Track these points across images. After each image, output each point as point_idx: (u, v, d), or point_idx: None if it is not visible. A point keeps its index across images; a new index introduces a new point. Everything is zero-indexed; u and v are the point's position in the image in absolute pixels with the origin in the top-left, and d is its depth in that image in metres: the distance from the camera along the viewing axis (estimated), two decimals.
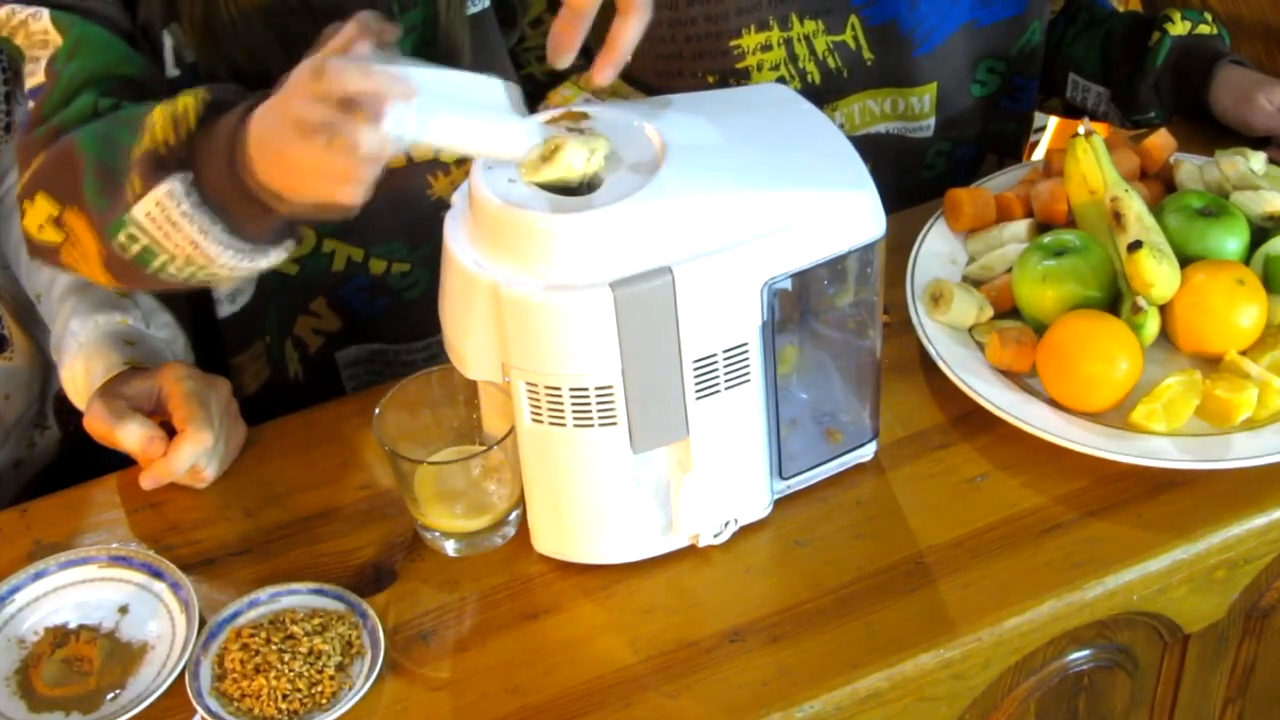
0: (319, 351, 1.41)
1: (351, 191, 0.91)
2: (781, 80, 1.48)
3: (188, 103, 0.99)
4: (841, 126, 1.52)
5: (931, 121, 1.55)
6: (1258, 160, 1.36)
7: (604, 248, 0.98)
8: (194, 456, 1.17)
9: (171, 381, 1.19)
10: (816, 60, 1.47)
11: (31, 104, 1.11)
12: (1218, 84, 1.48)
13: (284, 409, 1.30)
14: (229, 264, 1.02)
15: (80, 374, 1.23)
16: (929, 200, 1.42)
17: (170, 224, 1.00)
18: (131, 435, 1.16)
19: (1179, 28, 1.51)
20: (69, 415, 1.26)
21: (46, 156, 1.07)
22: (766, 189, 1.03)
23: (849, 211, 1.05)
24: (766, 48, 1.45)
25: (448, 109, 0.94)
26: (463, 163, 1.31)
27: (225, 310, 1.31)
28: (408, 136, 0.91)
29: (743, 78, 1.46)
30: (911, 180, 1.57)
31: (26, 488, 1.40)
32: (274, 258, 1.05)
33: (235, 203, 0.99)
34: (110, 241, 1.03)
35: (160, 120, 1.00)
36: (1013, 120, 1.60)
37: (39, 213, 1.06)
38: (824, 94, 1.49)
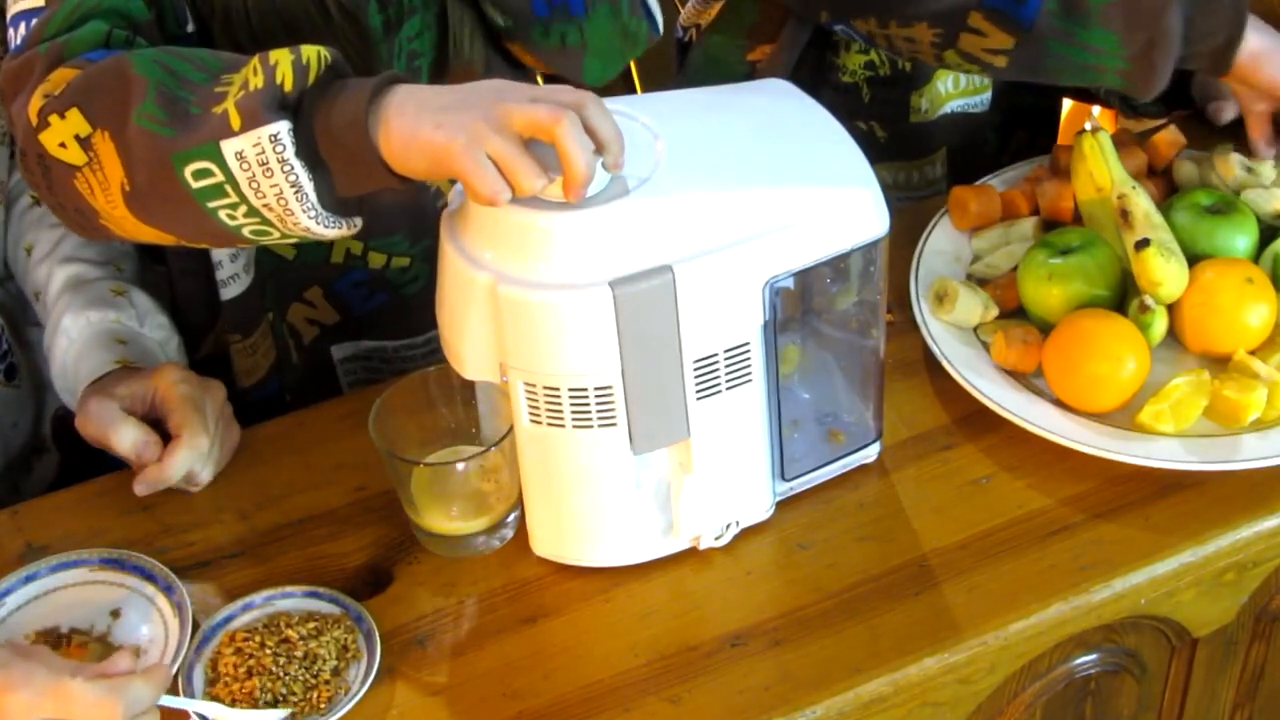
0: (314, 343, 1.39)
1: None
2: (870, 63, 1.49)
3: (311, 55, 0.97)
4: (925, 110, 1.53)
5: (987, 96, 1.57)
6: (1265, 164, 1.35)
7: (603, 246, 0.97)
8: (189, 463, 1.16)
9: (167, 385, 1.17)
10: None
11: (32, 22, 1.08)
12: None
13: (291, 393, 1.26)
14: (299, 225, 0.99)
15: (70, 371, 1.22)
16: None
17: (262, 167, 0.96)
18: (126, 440, 1.15)
19: None
20: (67, 440, 1.24)
21: (88, 74, 1.02)
22: (768, 186, 1.02)
23: (852, 209, 1.04)
24: None
25: None
26: None
27: (230, 292, 1.29)
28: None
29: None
30: (977, 155, 1.57)
31: None
32: (341, 232, 1.02)
33: (342, 157, 0.96)
34: (166, 170, 0.98)
35: (283, 64, 0.97)
36: (1031, 93, 1.60)
37: (66, 129, 1.02)
38: (912, 79, 1.51)
